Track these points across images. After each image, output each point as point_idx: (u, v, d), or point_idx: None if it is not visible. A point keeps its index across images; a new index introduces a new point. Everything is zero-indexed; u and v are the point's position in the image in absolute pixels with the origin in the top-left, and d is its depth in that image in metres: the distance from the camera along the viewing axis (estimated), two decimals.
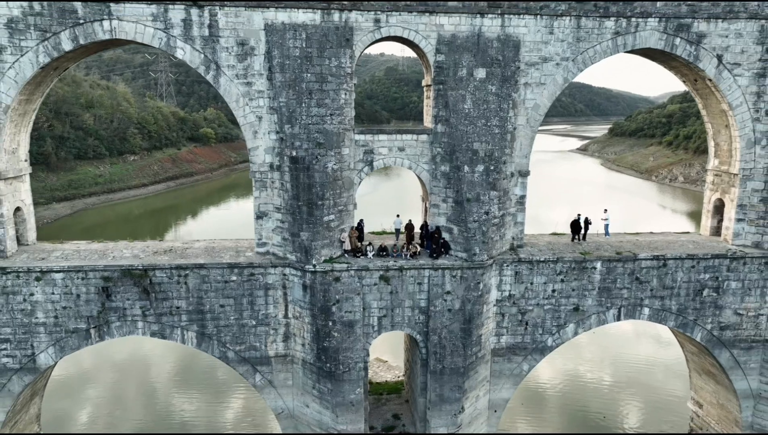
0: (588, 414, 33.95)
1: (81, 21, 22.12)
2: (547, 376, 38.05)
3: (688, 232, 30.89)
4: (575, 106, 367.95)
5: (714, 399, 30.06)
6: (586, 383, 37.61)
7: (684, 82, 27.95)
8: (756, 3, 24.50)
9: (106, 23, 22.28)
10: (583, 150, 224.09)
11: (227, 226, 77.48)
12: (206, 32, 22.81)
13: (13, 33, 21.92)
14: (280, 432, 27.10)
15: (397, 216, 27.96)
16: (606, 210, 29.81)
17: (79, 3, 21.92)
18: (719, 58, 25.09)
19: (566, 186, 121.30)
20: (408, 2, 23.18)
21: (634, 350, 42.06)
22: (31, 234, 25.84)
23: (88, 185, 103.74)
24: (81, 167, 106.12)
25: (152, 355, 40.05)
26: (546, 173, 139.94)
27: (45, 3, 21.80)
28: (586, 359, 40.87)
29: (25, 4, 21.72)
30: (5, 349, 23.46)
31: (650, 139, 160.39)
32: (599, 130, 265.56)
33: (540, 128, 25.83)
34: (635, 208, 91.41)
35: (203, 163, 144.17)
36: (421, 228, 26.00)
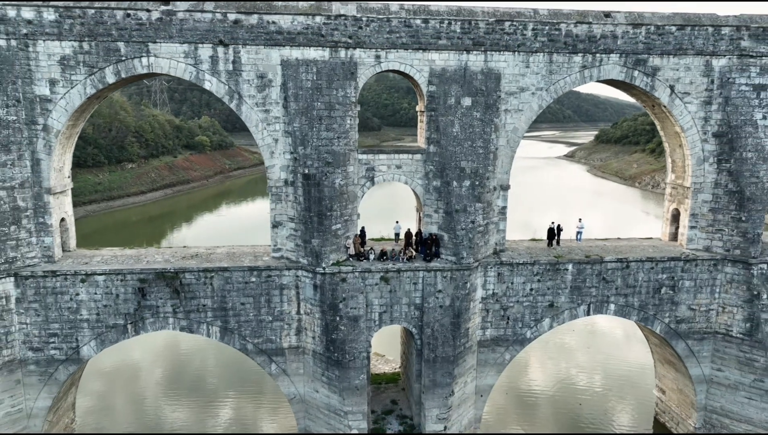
0: (567, 400, 37.74)
1: (123, 58, 25.68)
2: (531, 369, 41.89)
3: (650, 238, 34.81)
4: (563, 112, 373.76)
5: (674, 385, 33.97)
6: (567, 376, 41.43)
7: (644, 106, 31.99)
8: (701, 41, 28.56)
9: (144, 60, 25.85)
10: (570, 156, 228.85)
11: (224, 232, 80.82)
12: (230, 67, 26.43)
13: (65, 69, 25.42)
14: (277, 432, 30.34)
15: (396, 222, 32.07)
16: (581, 219, 33.79)
17: (122, 43, 25.48)
18: (672, 88, 29.10)
19: (553, 192, 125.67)
20: (404, 41, 26.97)
21: (617, 349, 46.09)
22: (73, 241, 29.25)
23: (88, 193, 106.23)
24: (81, 175, 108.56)
25: (141, 362, 41.22)
26: (534, 180, 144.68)
27: (93, 43, 25.32)
28: (569, 356, 44.78)
29: (75, 44, 25.23)
30: (53, 342, 26.82)
31: (635, 146, 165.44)
32: (587, 136, 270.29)
33: (529, 135, 29.74)
34: (619, 214, 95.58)
35: (199, 171, 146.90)
36: (416, 235, 29.69)
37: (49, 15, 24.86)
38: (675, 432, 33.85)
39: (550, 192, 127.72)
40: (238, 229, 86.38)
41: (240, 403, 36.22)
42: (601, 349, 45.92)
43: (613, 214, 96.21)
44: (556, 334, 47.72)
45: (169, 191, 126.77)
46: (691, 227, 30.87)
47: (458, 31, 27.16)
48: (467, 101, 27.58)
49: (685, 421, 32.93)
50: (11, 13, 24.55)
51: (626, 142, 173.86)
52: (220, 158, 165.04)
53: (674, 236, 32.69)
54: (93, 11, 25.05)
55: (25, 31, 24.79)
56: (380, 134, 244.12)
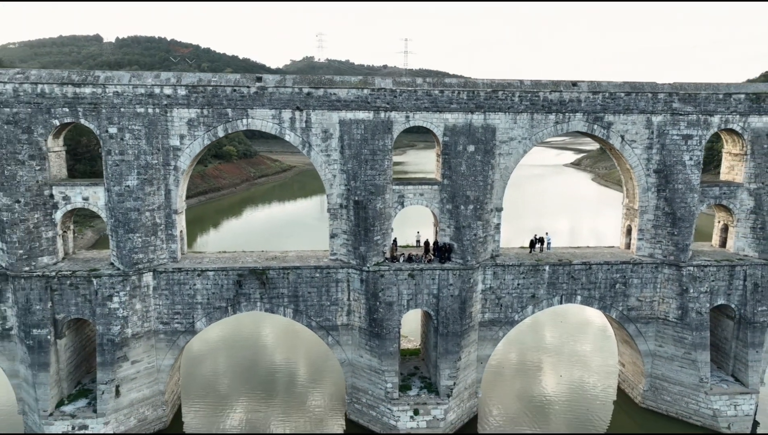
0: (550, 374, 48.25)
1: (230, 119, 36.76)
2: (524, 352, 52.47)
3: (612, 246, 45.25)
4: None
5: (630, 359, 44.34)
6: (551, 356, 51.95)
7: (604, 148, 42.43)
8: (643, 103, 38.99)
9: (244, 120, 36.89)
10: (576, 164, 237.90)
11: (245, 236, 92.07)
12: (304, 125, 37.36)
13: (190, 127, 36.54)
14: (287, 432, 40.02)
15: (418, 232, 43.04)
16: (547, 233, 44.68)
17: (230, 109, 36.55)
18: (622, 137, 39.57)
19: (556, 201, 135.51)
20: (426, 105, 37.74)
21: (592, 335, 56.53)
22: (185, 247, 40.35)
23: None
24: None
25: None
26: (538, 189, 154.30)
27: (210, 109, 36.41)
28: (555, 342, 55.30)
29: (198, 110, 36.34)
30: (177, 318, 37.88)
31: None
32: (595, 143, 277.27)
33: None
34: (611, 222, 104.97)
35: (227, 179, 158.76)
36: (434, 244, 40.37)
37: (182, 91, 36.01)
38: (631, 395, 44.23)
39: (554, 201, 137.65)
40: (259, 233, 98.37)
41: (250, 406, 47.11)
42: (580, 335, 56.45)
43: (605, 222, 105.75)
44: (548, 326, 58.39)
45: (202, 198, 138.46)
46: (639, 239, 41.29)
47: (465, 98, 37.86)
48: (471, 148, 38.26)
49: (637, 386, 43.29)
50: (157, 90, 35.72)
51: None
52: (246, 167, 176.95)
53: (628, 245, 43.12)
54: (211, 87, 36.18)
55: (165, 102, 35.95)
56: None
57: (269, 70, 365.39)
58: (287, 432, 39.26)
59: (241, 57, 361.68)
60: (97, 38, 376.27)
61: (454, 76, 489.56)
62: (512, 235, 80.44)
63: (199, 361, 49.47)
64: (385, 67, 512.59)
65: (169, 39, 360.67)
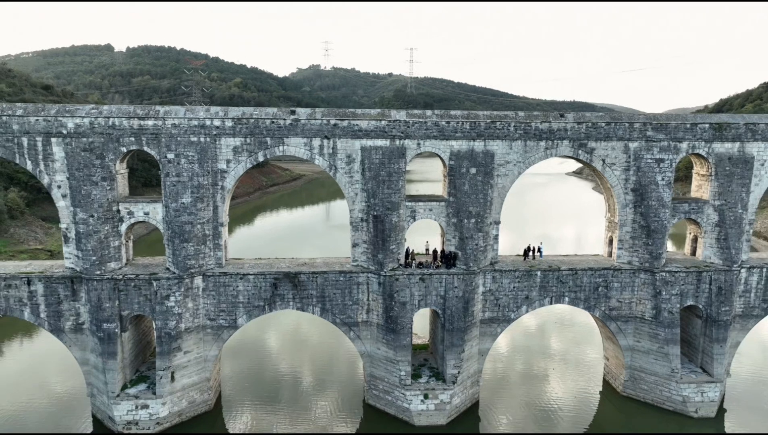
0: (544, 368, 54.48)
1: (269, 146, 43.34)
2: (521, 350, 58.70)
3: (596, 255, 51.57)
4: None
5: (613, 354, 50.57)
6: (545, 353, 58.14)
7: (588, 168, 48.80)
8: (621, 131, 45.37)
9: (281, 147, 43.45)
10: (578, 173, 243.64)
11: (256, 243, 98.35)
12: (331, 151, 43.88)
13: (235, 153, 43.13)
14: (290, 432, 46.15)
15: (427, 242, 49.28)
16: (542, 242, 50.78)
17: (269, 138, 43.13)
18: (603, 160, 45.94)
19: (557, 208, 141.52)
20: (435, 134, 44.21)
21: (581, 335, 62.75)
22: (229, 254, 46.87)
23: None
24: (148, 193, 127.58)
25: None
26: (541, 197, 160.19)
27: (252, 138, 43.01)
28: (547, 341, 61.52)
29: (242, 139, 42.93)
30: (222, 315, 44.35)
31: None
32: None
33: None
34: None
35: (241, 188, 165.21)
36: (441, 252, 46.75)
37: (228, 123, 42.63)
38: (614, 385, 50.42)
39: (555, 209, 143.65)
40: (271, 240, 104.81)
41: (255, 413, 53.48)
42: (575, 336, 62.67)
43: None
44: (545, 327, 64.60)
45: None
46: (619, 248, 47.59)
47: (468, 127, 44.32)
48: (473, 170, 44.70)
49: (619, 377, 49.49)
50: (207, 122, 42.34)
51: None
52: (258, 176, 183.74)
53: (610, 254, 49.44)
54: (253, 119, 42.79)
55: (214, 132, 42.56)
56: None
57: (276, 79, 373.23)
58: (301, 432, 44.13)
59: (249, 66, 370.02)
60: (108, 48, 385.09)
61: (458, 84, 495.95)
62: (516, 239, 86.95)
63: (229, 359, 55.93)
64: (390, 75, 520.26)
65: (178, 48, 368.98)
